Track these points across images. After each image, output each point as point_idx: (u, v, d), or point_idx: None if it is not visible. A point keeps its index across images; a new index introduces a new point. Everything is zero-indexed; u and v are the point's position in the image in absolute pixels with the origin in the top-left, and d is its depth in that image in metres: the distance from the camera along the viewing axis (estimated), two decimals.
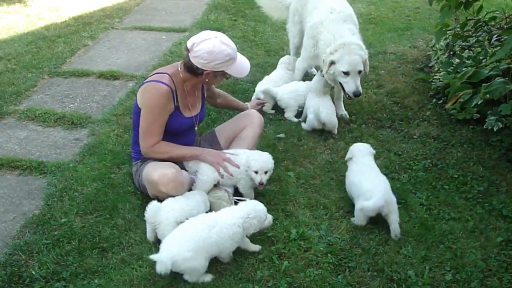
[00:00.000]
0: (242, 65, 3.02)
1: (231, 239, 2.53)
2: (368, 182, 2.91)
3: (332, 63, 3.76)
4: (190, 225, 2.53)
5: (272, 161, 3.03)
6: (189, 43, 2.88)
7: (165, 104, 2.91)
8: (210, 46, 2.83)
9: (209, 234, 2.47)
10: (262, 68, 5.00)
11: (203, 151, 3.07)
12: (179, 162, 3.05)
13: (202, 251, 2.45)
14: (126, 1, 7.40)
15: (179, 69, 2.99)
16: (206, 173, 2.99)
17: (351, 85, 3.73)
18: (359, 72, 3.76)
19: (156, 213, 2.66)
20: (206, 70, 2.89)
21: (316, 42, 4.00)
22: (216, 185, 3.06)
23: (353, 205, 3.04)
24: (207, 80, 2.97)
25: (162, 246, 2.46)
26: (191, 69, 2.91)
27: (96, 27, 6.22)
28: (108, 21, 6.50)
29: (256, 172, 2.96)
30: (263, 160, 2.98)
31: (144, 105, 2.94)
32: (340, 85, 3.86)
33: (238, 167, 3.00)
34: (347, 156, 3.27)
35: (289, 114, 4.14)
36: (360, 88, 3.75)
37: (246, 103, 3.83)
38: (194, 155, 3.04)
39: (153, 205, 2.68)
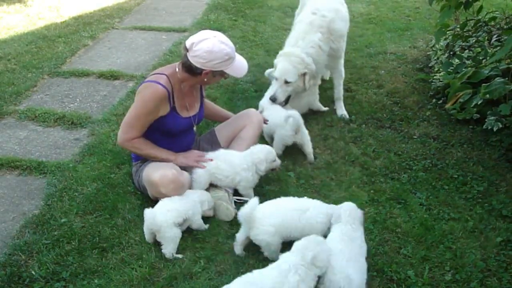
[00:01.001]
0: (240, 65, 3.01)
1: (316, 230, 2.60)
2: (280, 116, 3.53)
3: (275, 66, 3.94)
4: (283, 203, 2.71)
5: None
6: (188, 43, 2.87)
7: (157, 106, 2.91)
8: (210, 45, 2.82)
9: (299, 219, 2.60)
10: (262, 68, 5.00)
11: (177, 156, 3.06)
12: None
13: (284, 231, 2.58)
14: (126, 1, 7.40)
15: (177, 69, 2.99)
16: (197, 173, 3.02)
17: (272, 89, 3.92)
18: (286, 82, 3.82)
19: (154, 219, 2.65)
20: (205, 70, 2.88)
21: None
22: (217, 186, 3.07)
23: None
24: (205, 79, 2.96)
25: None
26: (190, 69, 2.91)
27: (96, 27, 6.22)
28: (108, 21, 6.50)
29: (274, 161, 3.13)
30: (271, 148, 3.17)
31: (136, 99, 2.95)
32: None
33: (211, 160, 3.07)
34: (259, 110, 3.80)
35: None
36: (277, 95, 3.83)
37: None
38: (166, 159, 3.02)
39: (148, 213, 2.67)
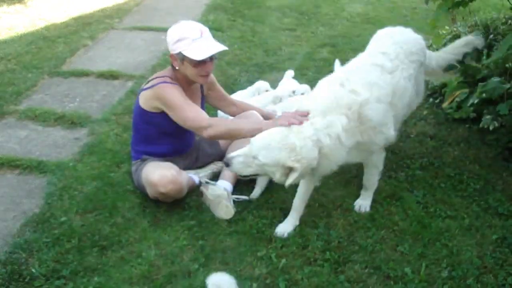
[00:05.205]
0: (204, 47, 2.82)
1: None
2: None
3: None
4: None
5: None
6: None
7: (182, 91, 2.95)
8: (172, 27, 2.91)
9: None
10: (260, 68, 5.03)
11: (269, 122, 2.71)
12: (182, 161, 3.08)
13: None
14: (126, 1, 7.42)
15: (172, 71, 3.04)
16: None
17: None
18: None
19: None
20: (171, 54, 2.93)
21: None
22: (214, 184, 3.09)
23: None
24: (177, 68, 2.98)
25: None
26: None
27: (96, 27, 6.24)
28: (108, 21, 6.52)
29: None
30: None
31: (169, 104, 2.88)
32: None
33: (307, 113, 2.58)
34: None
35: None
36: None
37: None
38: (257, 129, 2.62)
39: None
